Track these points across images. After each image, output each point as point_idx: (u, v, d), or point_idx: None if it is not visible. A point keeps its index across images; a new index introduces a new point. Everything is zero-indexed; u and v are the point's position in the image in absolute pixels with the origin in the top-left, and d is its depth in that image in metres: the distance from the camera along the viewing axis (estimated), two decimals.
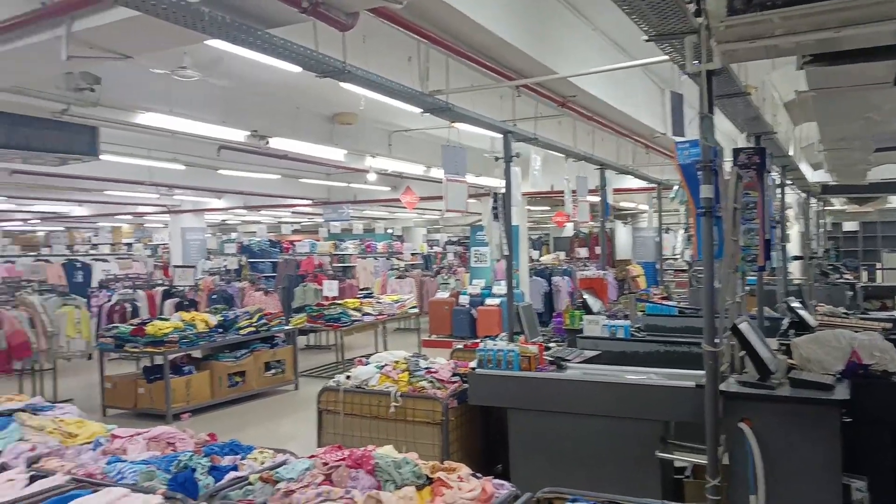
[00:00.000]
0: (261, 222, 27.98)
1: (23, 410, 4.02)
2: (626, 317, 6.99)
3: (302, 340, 11.24)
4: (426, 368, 5.37)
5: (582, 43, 7.08)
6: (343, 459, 2.96)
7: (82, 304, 9.20)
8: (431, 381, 5.19)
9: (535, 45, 5.97)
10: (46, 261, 13.98)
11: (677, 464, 4.65)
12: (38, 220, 23.35)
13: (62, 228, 26.37)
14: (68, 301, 8.91)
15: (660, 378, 4.66)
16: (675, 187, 9.76)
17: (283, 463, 3.20)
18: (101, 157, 8.26)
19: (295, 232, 28.88)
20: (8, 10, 4.14)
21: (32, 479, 3.13)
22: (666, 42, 4.18)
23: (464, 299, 13.51)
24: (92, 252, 20.11)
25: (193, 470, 3.07)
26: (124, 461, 3.21)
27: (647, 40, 4.16)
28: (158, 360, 8.04)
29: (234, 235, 26.76)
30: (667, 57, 4.54)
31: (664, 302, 9.14)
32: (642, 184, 13.10)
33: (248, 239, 22.85)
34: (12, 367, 8.04)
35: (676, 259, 16.07)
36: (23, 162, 8.92)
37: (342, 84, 5.40)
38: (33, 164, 9.42)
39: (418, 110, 6.26)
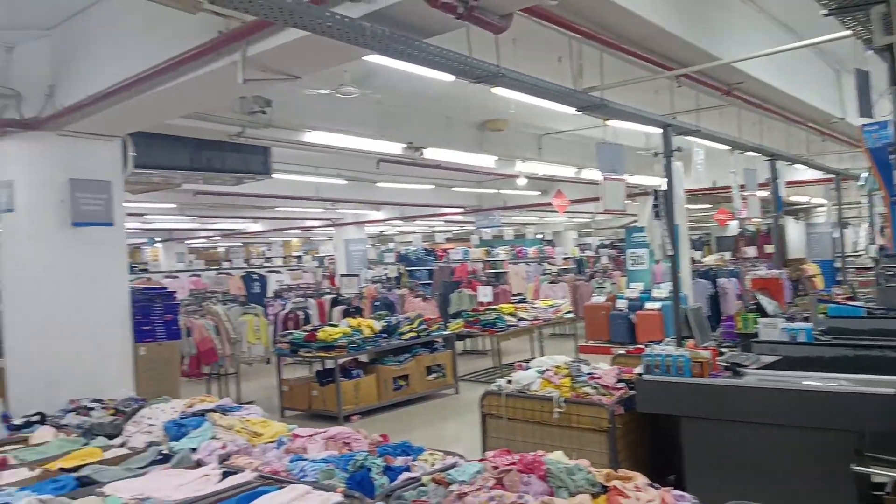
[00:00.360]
0: (415, 232, 28.84)
1: (214, 411, 4.37)
2: (805, 319, 6.42)
3: (458, 345, 11.39)
4: (589, 374, 5.23)
5: (746, 25, 6.63)
6: (514, 464, 2.92)
7: (261, 312, 9.92)
8: (595, 387, 5.03)
9: (696, 32, 5.67)
10: (228, 273, 15.22)
11: (875, 479, 4.19)
12: (219, 237, 25.55)
13: (240, 244, 28.70)
14: (248, 310, 9.64)
15: (852, 385, 4.22)
16: (864, 175, 8.87)
17: (454, 465, 3.22)
18: (272, 175, 8.87)
19: (448, 240, 29.49)
20: (190, 42, 4.52)
21: (225, 475, 3.38)
22: (848, 15, 3.80)
23: (621, 303, 13.07)
24: (266, 265, 21.67)
25: (369, 469, 3.17)
26: (305, 459, 3.37)
27: (827, 14, 3.81)
28: (329, 363, 8.45)
29: (391, 245, 27.77)
30: (848, 32, 4.13)
31: (849, 302, 8.31)
32: (816, 175, 12.07)
33: (405, 248, 23.60)
34: (201, 371, 8.80)
35: (859, 255, 14.62)
36: (203, 182, 9.77)
37: (493, 89, 5.40)
38: (213, 185, 10.31)
39: (571, 110, 6.14)
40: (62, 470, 3.74)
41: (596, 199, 15.54)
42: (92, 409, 5.07)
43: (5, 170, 5.90)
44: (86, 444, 4.27)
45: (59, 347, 5.74)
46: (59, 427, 4.82)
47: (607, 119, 6.96)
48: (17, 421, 5.09)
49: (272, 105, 7.31)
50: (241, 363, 9.47)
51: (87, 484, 3.49)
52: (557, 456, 3.06)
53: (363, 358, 9.03)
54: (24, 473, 3.75)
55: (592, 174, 12.01)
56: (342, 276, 16.63)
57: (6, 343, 5.96)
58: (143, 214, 16.52)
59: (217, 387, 9.11)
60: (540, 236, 28.64)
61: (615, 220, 25.84)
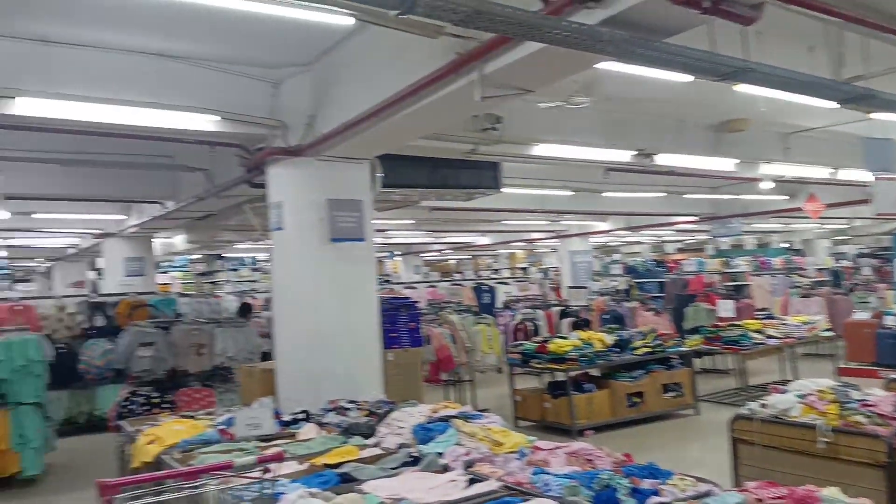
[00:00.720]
0: (642, 242, 27.85)
1: (457, 417, 4.52)
2: None
3: (695, 363, 10.70)
4: (860, 400, 4.60)
5: None
6: (782, 498, 2.64)
7: (492, 322, 10.16)
8: (869, 416, 4.42)
9: None
10: (460, 285, 15.87)
11: None
12: (450, 250, 26.80)
13: (468, 256, 29.84)
14: (481, 320, 9.93)
15: None
16: None
17: (708, 493, 3.00)
18: (502, 189, 9.07)
19: (679, 250, 28.06)
20: (431, 65, 4.76)
21: (471, 482, 3.46)
22: None
23: (890, 321, 11.43)
24: (493, 276, 22.28)
25: (615, 490, 3.05)
26: (548, 473, 3.35)
27: None
28: (560, 376, 8.40)
29: (616, 256, 27.09)
30: None
31: None
32: None
33: (633, 259, 22.87)
34: (440, 378, 9.22)
35: None
36: (437, 199, 10.26)
37: (735, 87, 5.01)
38: (445, 201, 10.80)
39: (828, 104, 5.50)
40: (326, 465, 4.09)
41: (856, 203, 13.87)
42: (349, 409, 5.51)
43: (276, 192, 6.69)
44: (344, 443, 4.64)
45: (321, 351, 6.34)
46: (321, 425, 5.30)
47: (871, 112, 6.15)
48: (286, 417, 5.68)
49: (502, 121, 7.48)
50: (475, 371, 9.76)
51: (347, 480, 3.78)
52: (833, 493, 2.71)
53: (594, 372, 8.85)
54: (294, 466, 4.16)
55: (851, 175, 10.73)
56: (569, 287, 16.52)
57: (277, 347, 6.72)
58: (384, 230, 17.81)
59: (453, 394, 9.46)
60: (786, 245, 26.14)
61: (876, 225, 22.84)
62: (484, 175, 8.62)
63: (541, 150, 8.00)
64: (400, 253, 25.48)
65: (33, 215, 12.41)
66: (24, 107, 5.42)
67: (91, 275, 19.56)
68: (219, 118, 6.22)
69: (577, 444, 3.72)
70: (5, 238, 16.02)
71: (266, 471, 3.07)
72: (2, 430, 6.96)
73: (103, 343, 9.61)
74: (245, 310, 11.20)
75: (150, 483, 2.97)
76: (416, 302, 7.67)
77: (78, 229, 14.89)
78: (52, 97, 5.44)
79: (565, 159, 8.65)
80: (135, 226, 12.83)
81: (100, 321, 10.13)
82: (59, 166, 8.89)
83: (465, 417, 4.55)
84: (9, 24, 5.29)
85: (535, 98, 7.08)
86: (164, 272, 21.72)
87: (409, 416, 4.73)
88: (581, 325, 11.31)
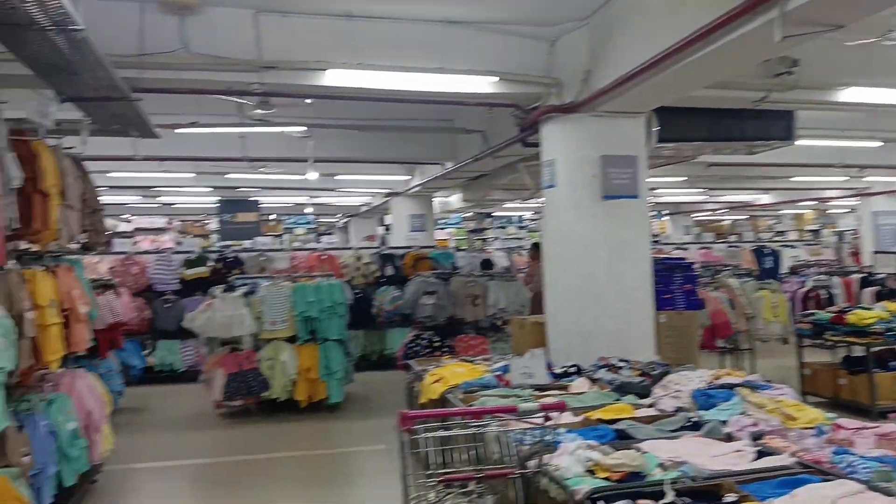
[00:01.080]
0: None
1: (742, 386, 4.24)
2: None
3: None
4: None
5: None
6: None
7: (778, 288, 9.32)
8: None
9: None
10: (737, 246, 14.78)
11: None
12: (725, 210, 24.96)
13: (746, 216, 27.54)
14: (764, 285, 9.16)
15: None
16: None
17: None
18: (795, 141, 8.15)
19: None
20: (721, 7, 4.38)
21: (759, 455, 3.24)
22: None
23: None
24: (776, 238, 20.33)
25: None
26: (853, 454, 3.01)
27: None
28: (858, 350, 7.47)
29: None
30: None
31: None
32: None
33: None
34: (715, 344, 8.72)
35: None
36: (713, 153, 9.53)
37: None
38: (723, 155, 9.99)
39: None
40: (600, 420, 4.12)
41: None
42: (621, 367, 5.47)
43: (549, 150, 6.77)
44: (618, 400, 4.63)
45: (591, 308, 6.36)
46: (592, 380, 5.34)
47: None
48: (557, 370, 5.82)
49: (799, 64, 6.69)
50: (756, 340, 9.06)
51: (623, 437, 3.77)
52: None
53: None
54: (568, 418, 4.25)
55: None
56: (874, 253, 14.47)
57: (548, 301, 6.87)
58: (653, 188, 17.08)
59: (730, 361, 8.91)
60: None
61: None
62: (774, 126, 7.79)
63: (847, 95, 7.02)
64: (668, 212, 24.33)
65: (336, 177, 14.06)
66: (333, 78, 6.10)
67: (380, 230, 21.69)
68: (497, 79, 6.42)
69: (889, 427, 3.29)
70: (313, 197, 18.38)
71: (547, 418, 3.17)
72: (313, 361, 8.07)
73: (392, 290, 10.68)
74: (487, 265, 11.68)
75: (439, 418, 3.24)
76: (692, 263, 7.27)
77: (370, 189, 16.58)
78: (356, 68, 6.04)
79: (876, 105, 7.51)
80: (417, 185, 13.91)
81: (389, 271, 11.27)
82: (356, 132, 9.92)
83: (752, 387, 4.25)
84: (319, 3, 5.96)
85: (842, 36, 6.22)
86: (441, 228, 23.26)
87: (688, 380, 4.56)
88: (888, 295, 9.89)
